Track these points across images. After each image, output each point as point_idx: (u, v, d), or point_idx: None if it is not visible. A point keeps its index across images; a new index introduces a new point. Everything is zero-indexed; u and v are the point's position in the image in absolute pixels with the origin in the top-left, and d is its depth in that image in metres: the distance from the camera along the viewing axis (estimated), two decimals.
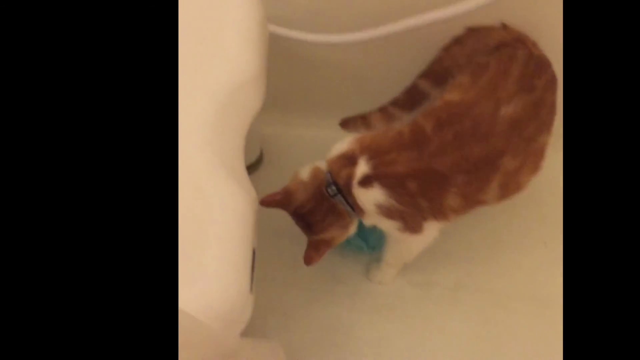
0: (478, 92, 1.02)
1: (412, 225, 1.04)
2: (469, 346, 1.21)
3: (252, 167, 1.32)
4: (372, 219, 1.05)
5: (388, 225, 1.05)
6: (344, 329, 1.22)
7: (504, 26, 1.13)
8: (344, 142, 1.05)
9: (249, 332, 0.91)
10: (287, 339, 1.14)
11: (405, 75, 1.22)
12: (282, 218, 1.31)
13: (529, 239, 1.32)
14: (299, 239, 1.29)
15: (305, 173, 1.07)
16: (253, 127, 1.07)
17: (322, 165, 1.06)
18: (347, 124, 1.26)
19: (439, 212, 1.03)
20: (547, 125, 1.06)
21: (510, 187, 1.06)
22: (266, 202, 1.06)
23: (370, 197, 1.01)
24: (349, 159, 1.02)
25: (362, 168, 1.00)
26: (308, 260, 1.08)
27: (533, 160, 1.06)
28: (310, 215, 1.05)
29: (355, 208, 1.03)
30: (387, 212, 1.01)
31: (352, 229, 1.09)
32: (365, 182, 1.00)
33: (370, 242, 1.28)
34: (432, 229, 1.07)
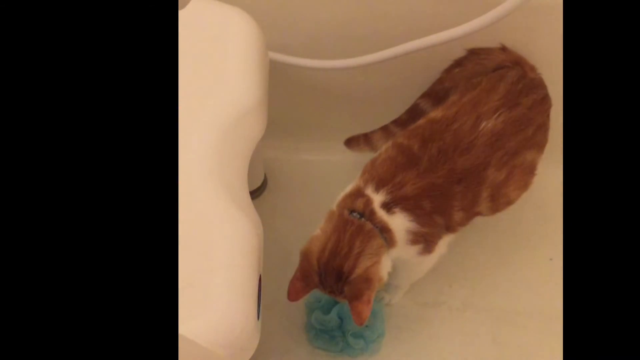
0: (459, 108, 1.05)
1: (430, 247, 1.05)
2: None
3: (256, 192, 1.34)
4: (400, 249, 1.01)
5: (410, 252, 1.04)
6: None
7: (504, 48, 1.15)
8: (347, 188, 1.05)
9: (256, 357, 0.91)
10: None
11: (407, 97, 1.25)
12: (289, 242, 1.32)
13: (535, 256, 1.32)
14: None
15: (316, 231, 1.02)
16: (257, 153, 1.09)
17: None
18: (350, 142, 1.29)
19: (451, 227, 1.05)
20: (534, 144, 1.09)
21: (500, 200, 1.08)
22: (294, 294, 1.00)
23: (399, 224, 0.99)
24: (357, 193, 1.02)
25: (378, 197, 1.00)
26: (362, 317, 0.94)
27: (520, 175, 1.08)
28: (335, 252, 0.96)
29: (385, 233, 0.99)
30: (413, 238, 1.01)
31: (387, 261, 1.00)
32: (387, 208, 0.99)
33: (369, 339, 1.21)
34: (443, 245, 1.08)
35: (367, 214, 0.99)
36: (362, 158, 1.27)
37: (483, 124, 1.02)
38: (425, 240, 1.03)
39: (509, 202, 1.10)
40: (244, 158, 0.97)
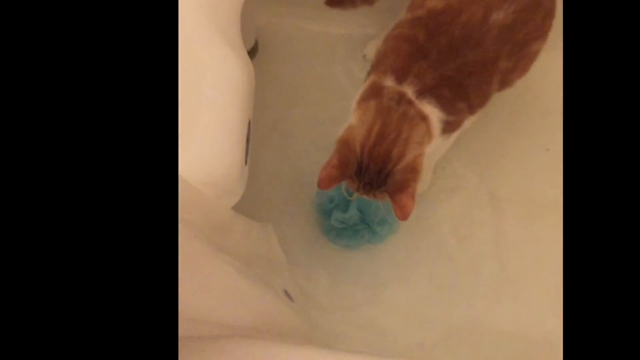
0: None
1: (455, 128, 1.01)
2: (467, 246, 1.20)
3: None
4: (434, 142, 0.96)
5: (439, 141, 0.98)
6: None
7: None
8: (363, 86, 0.98)
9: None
10: (280, 229, 1.10)
11: None
12: (277, 109, 1.27)
13: (532, 145, 1.28)
14: (291, 136, 1.24)
15: (353, 117, 0.94)
16: (248, 16, 1.00)
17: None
18: (333, 1, 1.17)
19: (472, 109, 1.00)
20: (542, 31, 1.02)
21: (505, 84, 1.04)
22: (327, 181, 0.89)
23: (432, 113, 0.93)
24: (377, 86, 0.95)
25: (406, 88, 0.93)
26: (406, 212, 0.87)
27: (524, 63, 1.03)
28: (383, 136, 0.89)
29: (424, 121, 0.93)
30: (444, 127, 0.96)
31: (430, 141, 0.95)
32: (420, 96, 0.92)
33: (393, 220, 1.17)
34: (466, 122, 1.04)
35: (405, 102, 0.92)
36: (354, 33, 1.21)
37: (493, 15, 0.94)
38: (453, 128, 0.99)
39: (509, 85, 1.06)
40: None
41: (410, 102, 0.92)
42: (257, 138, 1.17)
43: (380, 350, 1.13)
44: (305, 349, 0.65)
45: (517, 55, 0.99)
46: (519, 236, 1.20)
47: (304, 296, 1.08)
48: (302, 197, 1.20)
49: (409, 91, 0.92)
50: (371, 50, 1.27)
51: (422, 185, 1.21)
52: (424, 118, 0.92)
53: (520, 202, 1.23)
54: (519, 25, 0.96)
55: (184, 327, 0.57)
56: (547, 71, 1.31)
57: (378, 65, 0.98)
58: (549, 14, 1.02)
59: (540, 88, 1.31)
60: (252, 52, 1.26)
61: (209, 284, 0.58)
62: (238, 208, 0.87)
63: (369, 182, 0.91)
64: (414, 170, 0.90)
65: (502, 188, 1.24)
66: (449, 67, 0.94)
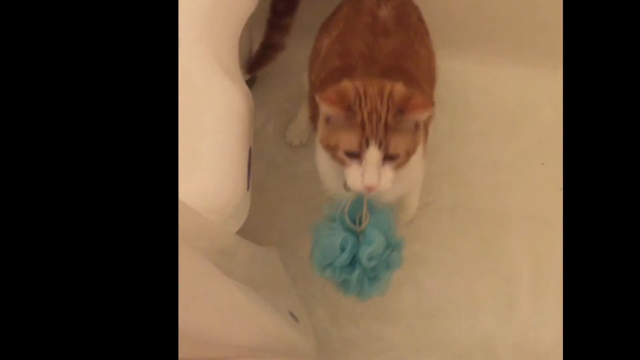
0: (343, 20, 1.03)
1: (425, 146, 0.99)
2: (466, 262, 1.22)
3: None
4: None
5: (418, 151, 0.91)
6: None
7: None
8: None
9: None
10: (285, 252, 1.12)
11: None
12: (276, 137, 1.30)
13: (527, 160, 1.30)
14: (296, 154, 1.26)
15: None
16: (245, 45, 1.02)
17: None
18: (254, 66, 1.21)
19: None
20: (425, 30, 1.07)
21: (431, 75, 1.06)
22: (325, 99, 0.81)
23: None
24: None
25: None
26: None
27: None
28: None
29: None
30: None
31: None
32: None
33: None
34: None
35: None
36: None
37: (380, 13, 0.99)
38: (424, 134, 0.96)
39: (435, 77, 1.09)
40: (235, 29, 0.92)
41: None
42: (262, 164, 1.20)
43: None
44: None
45: (424, 42, 1.04)
46: (517, 251, 1.23)
47: (309, 317, 1.10)
48: (308, 221, 1.22)
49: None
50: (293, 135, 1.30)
51: (410, 210, 1.20)
52: None
53: (518, 217, 1.25)
54: (404, 17, 1.02)
55: (190, 349, 0.59)
56: (541, 87, 1.35)
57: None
58: (421, 17, 1.08)
59: (535, 103, 1.35)
60: (251, 81, 1.29)
61: (215, 306, 0.61)
62: (243, 233, 0.90)
63: (373, 109, 0.80)
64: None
65: (500, 204, 1.26)
66: (380, 60, 0.95)
